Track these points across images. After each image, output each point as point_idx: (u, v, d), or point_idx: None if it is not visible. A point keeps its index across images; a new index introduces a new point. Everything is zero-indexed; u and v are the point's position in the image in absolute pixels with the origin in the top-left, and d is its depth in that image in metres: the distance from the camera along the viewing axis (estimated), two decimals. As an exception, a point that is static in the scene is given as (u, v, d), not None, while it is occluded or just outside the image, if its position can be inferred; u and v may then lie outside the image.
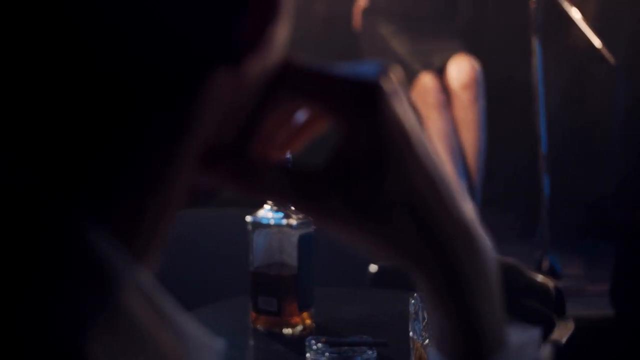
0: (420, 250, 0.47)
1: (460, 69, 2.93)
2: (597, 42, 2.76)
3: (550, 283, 1.68)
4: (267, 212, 1.40)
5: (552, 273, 2.65)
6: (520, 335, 0.51)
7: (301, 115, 0.51)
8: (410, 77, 2.89)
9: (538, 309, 1.59)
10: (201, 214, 2.06)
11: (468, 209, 0.50)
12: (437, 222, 0.47)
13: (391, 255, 0.47)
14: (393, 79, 0.47)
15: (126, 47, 0.37)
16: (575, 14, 2.76)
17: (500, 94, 3.15)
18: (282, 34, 0.42)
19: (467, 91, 2.92)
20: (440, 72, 2.93)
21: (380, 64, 0.48)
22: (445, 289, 0.47)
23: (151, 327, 0.39)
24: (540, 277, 1.71)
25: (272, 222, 1.40)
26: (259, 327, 1.39)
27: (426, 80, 2.88)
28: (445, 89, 2.91)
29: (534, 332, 0.52)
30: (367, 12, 3.03)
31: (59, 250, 0.37)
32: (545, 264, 2.70)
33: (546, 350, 0.55)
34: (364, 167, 0.45)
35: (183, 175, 0.41)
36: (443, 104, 2.87)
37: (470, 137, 2.93)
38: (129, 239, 0.40)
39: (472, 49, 3.02)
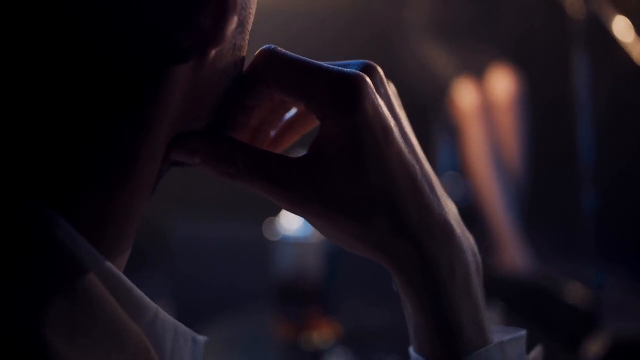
0: (395, 245, 0.46)
1: (500, 82, 2.91)
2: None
3: (583, 297, 1.65)
4: (292, 223, 1.41)
5: (595, 286, 2.60)
6: (503, 335, 0.50)
7: (292, 111, 0.51)
8: (449, 86, 2.88)
9: (569, 324, 1.56)
10: (224, 225, 2.07)
11: (450, 206, 0.49)
12: (413, 218, 0.46)
13: (365, 249, 0.47)
14: (375, 76, 0.47)
15: (88, 40, 0.38)
16: (623, 29, 2.70)
17: (543, 107, 3.12)
18: (240, 27, 0.43)
19: (506, 105, 2.89)
20: (480, 81, 2.90)
21: (364, 61, 0.47)
22: (420, 285, 0.46)
23: (117, 315, 0.39)
24: (574, 292, 1.68)
25: (297, 233, 1.40)
26: (283, 336, 1.39)
27: (466, 89, 2.86)
28: (485, 97, 2.89)
29: (520, 333, 0.51)
30: (404, 26, 3.02)
31: (25, 241, 0.38)
32: (588, 277, 2.65)
33: (536, 352, 0.53)
34: (341, 161, 0.45)
35: (148, 166, 0.42)
36: (483, 112, 2.85)
37: (511, 149, 2.90)
38: (97, 231, 0.40)
39: (513, 61, 2.99)
